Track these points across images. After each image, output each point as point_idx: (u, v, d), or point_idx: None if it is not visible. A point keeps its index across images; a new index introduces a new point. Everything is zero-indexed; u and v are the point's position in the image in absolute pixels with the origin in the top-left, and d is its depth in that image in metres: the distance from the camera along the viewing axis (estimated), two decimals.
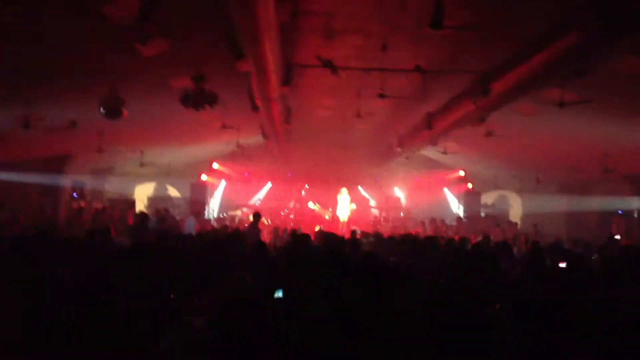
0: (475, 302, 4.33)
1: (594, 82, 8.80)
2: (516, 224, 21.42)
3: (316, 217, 22.49)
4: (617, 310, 4.35)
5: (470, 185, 22.33)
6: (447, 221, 22.03)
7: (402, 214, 23.55)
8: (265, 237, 14.96)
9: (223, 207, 23.32)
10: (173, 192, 23.66)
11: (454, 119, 11.85)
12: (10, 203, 15.75)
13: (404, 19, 7.85)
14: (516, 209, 23.22)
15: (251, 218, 21.75)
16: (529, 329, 3.73)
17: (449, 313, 3.88)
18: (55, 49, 8.34)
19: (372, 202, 24.05)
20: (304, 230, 14.34)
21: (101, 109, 9.72)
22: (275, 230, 16.45)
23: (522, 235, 16.05)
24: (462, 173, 22.04)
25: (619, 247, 10.83)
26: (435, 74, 10.01)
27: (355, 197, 23.03)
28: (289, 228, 17.24)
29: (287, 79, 10.02)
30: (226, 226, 16.17)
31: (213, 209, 23.17)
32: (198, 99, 9.29)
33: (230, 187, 23.71)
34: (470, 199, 22.81)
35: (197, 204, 21.51)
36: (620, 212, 17.70)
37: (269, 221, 20.53)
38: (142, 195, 22.78)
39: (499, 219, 21.48)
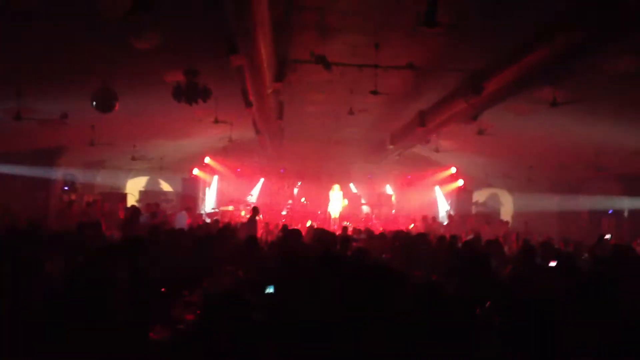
0: (466, 300, 4.35)
1: (585, 81, 8.86)
2: (507, 222, 21.52)
3: (308, 214, 22.50)
4: (606, 310, 4.37)
5: (461, 183, 22.42)
6: (439, 219, 22.11)
7: (393, 211, 23.60)
8: (258, 232, 14.95)
9: (215, 202, 23.29)
10: (165, 186, 23.58)
11: (446, 117, 11.89)
12: (0, 195, 15.66)
13: (398, 16, 7.85)
14: (507, 207, 23.28)
15: (243, 213, 21.89)
16: (518, 327, 3.74)
17: (439, 310, 3.89)
18: (47, 42, 8.28)
19: (364, 199, 24.07)
20: (296, 227, 14.35)
21: (93, 102, 9.68)
22: (266, 224, 16.46)
23: (513, 234, 16.09)
24: (453, 171, 22.12)
25: (609, 246, 10.87)
26: (428, 72, 10.03)
27: (347, 194, 23.06)
28: (280, 224, 17.23)
29: (280, 75, 10.01)
30: (217, 221, 16.16)
31: (205, 203, 23.12)
32: (191, 93, 9.27)
33: (222, 182, 23.68)
34: (461, 196, 22.90)
35: (189, 198, 21.47)
36: (610, 211, 17.78)
37: (261, 216, 20.52)
38: (134, 189, 22.69)
39: (490, 217, 21.56)
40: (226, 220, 18.25)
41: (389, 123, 15.90)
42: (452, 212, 22.67)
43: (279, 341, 3.76)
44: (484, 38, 8.36)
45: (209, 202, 23.21)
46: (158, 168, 21.68)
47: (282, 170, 23.29)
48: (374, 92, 10.16)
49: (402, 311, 4.03)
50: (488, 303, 4.88)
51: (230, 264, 6.95)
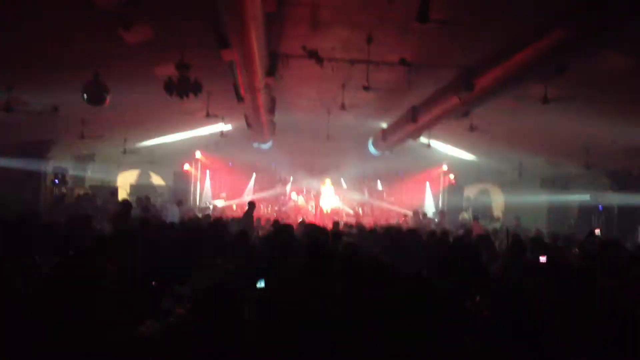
0: (456, 295, 4.38)
1: (577, 78, 8.89)
2: (498, 217, 21.61)
3: (300, 208, 22.52)
4: (594, 304, 4.41)
5: (452, 177, 22.49)
6: (429, 214, 22.16)
7: (384, 206, 23.66)
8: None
9: (206, 196, 23.26)
10: (156, 180, 23.50)
11: (438, 113, 11.91)
12: None
13: (390, 11, 7.85)
14: (498, 202, 23.35)
15: (234, 207, 21.88)
16: (507, 321, 3.76)
17: (430, 305, 3.91)
18: (38, 35, 8.22)
19: (355, 194, 24.09)
20: (287, 221, 14.35)
21: (84, 95, 9.63)
22: (257, 220, 16.45)
23: (503, 229, 16.13)
24: (444, 167, 22.17)
25: (598, 241, 10.94)
26: (420, 68, 10.04)
27: (338, 189, 23.09)
28: (271, 218, 17.26)
29: (272, 69, 9.99)
30: (209, 215, 16.15)
31: (196, 197, 23.09)
32: (182, 87, 9.23)
33: (213, 176, 23.65)
34: (452, 192, 22.99)
35: (181, 192, 21.43)
36: (600, 207, 17.85)
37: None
38: (125, 182, 22.60)
39: (480, 212, 21.61)
40: (217, 214, 18.23)
41: (381, 118, 15.90)
42: (442, 207, 22.76)
43: (269, 335, 3.77)
44: (476, 34, 8.37)
45: (200, 196, 23.19)
46: (149, 162, 21.62)
47: (273, 165, 23.27)
48: (366, 89, 10.17)
49: (393, 306, 4.04)
50: (478, 297, 4.91)
51: (221, 258, 6.96)
